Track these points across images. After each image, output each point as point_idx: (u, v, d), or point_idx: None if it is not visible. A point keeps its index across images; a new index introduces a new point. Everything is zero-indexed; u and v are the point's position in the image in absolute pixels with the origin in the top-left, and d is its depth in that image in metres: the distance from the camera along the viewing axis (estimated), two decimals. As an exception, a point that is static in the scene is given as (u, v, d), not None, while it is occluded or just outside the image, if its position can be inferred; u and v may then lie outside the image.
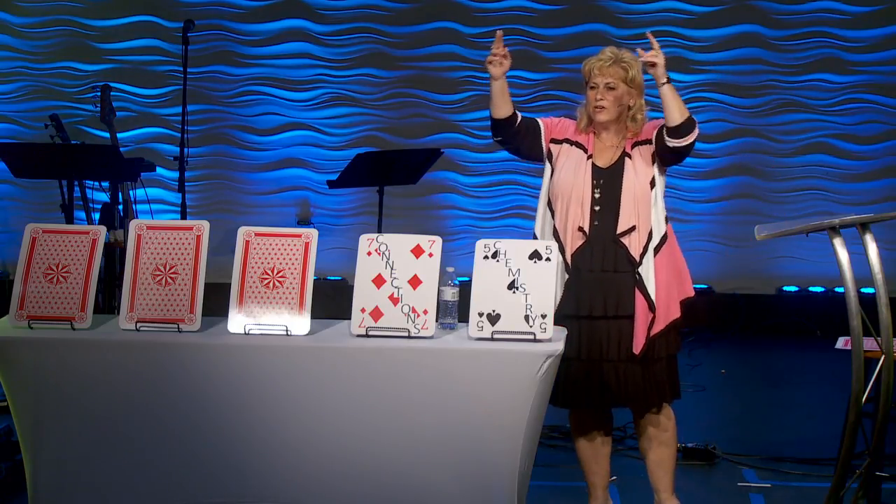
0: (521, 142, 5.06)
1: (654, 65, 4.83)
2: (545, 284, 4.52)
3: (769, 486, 5.81)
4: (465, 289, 4.58)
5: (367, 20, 9.39)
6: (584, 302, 4.90)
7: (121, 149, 7.58)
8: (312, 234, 4.62)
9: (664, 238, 4.92)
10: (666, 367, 4.97)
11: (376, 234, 4.63)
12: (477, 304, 4.52)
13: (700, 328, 8.99)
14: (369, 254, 4.58)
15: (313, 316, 4.56)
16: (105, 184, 7.55)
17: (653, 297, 4.87)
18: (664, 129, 4.87)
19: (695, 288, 5.05)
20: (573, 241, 4.92)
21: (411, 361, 4.43)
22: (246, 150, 9.49)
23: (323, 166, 9.42)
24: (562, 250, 4.87)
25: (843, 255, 4.62)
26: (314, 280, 4.57)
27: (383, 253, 4.57)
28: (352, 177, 7.56)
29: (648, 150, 4.95)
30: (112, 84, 8.07)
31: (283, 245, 4.60)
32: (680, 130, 4.84)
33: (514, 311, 4.50)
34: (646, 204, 4.90)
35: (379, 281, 4.55)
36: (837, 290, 8.96)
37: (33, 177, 8.14)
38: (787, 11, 9.33)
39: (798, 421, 7.02)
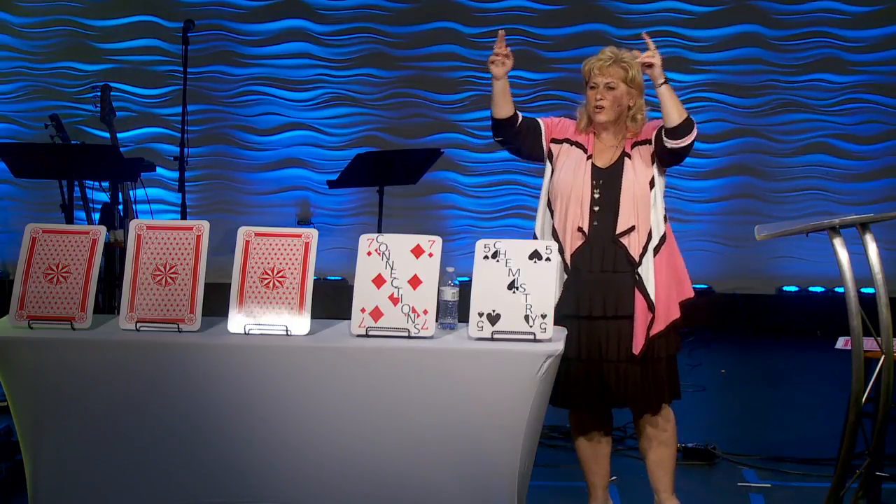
0: (521, 142, 5.06)
1: (650, 66, 4.83)
2: (545, 284, 4.52)
3: (769, 486, 5.82)
4: (465, 289, 4.58)
5: (367, 20, 9.39)
6: (583, 302, 4.90)
7: (121, 149, 7.58)
8: (312, 234, 4.62)
9: (663, 238, 4.92)
10: (666, 367, 4.97)
11: (376, 234, 4.63)
12: (477, 304, 4.52)
13: (700, 328, 8.99)
14: (369, 254, 4.58)
15: (313, 316, 4.56)
16: (105, 184, 7.54)
17: (652, 297, 4.87)
18: (662, 130, 4.87)
19: (695, 288, 5.06)
20: (572, 242, 4.92)
21: (411, 361, 4.43)
22: (246, 150, 9.49)
23: (323, 166, 9.42)
24: (561, 251, 4.86)
25: (843, 255, 4.62)
26: (314, 280, 4.57)
27: (383, 253, 4.57)
28: (352, 177, 7.56)
29: (648, 150, 4.95)
30: (112, 84, 8.07)
31: (283, 245, 4.60)
32: (678, 131, 4.84)
33: (514, 311, 4.50)
34: (645, 204, 4.90)
35: (379, 281, 4.55)
36: (837, 290, 8.96)
37: (33, 177, 8.14)
38: (787, 11, 9.33)
39: (798, 421, 7.02)
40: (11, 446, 5.64)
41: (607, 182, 4.93)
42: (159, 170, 8.62)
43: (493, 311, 4.51)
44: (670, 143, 4.85)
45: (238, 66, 9.41)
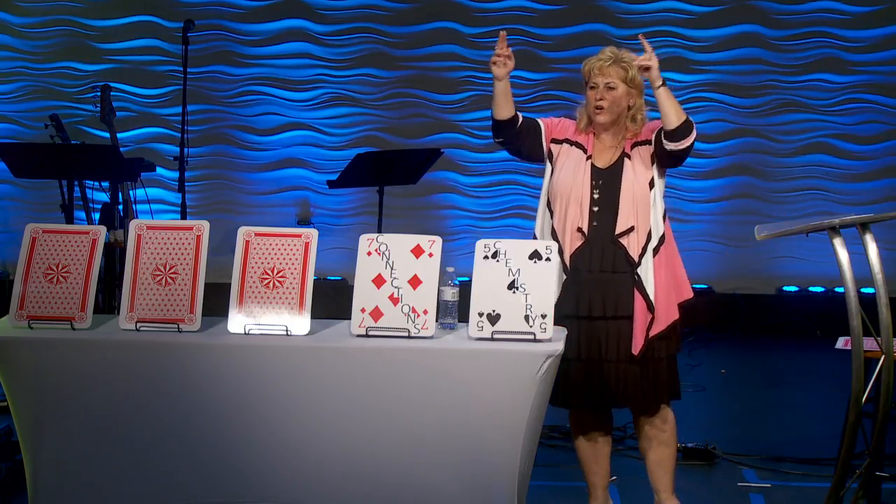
0: (522, 143, 5.06)
1: (648, 69, 4.83)
2: (545, 284, 4.52)
3: (769, 486, 5.82)
4: (465, 289, 4.58)
5: (367, 20, 9.39)
6: (583, 302, 4.90)
7: (121, 149, 7.58)
8: (312, 234, 4.62)
9: (662, 239, 4.92)
10: (666, 367, 4.97)
11: (376, 234, 4.63)
12: (477, 304, 4.52)
13: (700, 328, 8.99)
14: (369, 254, 4.58)
15: (313, 316, 4.56)
16: (105, 184, 7.54)
17: (652, 297, 4.87)
18: (662, 132, 4.87)
19: (695, 288, 5.05)
20: (572, 242, 4.91)
21: (411, 361, 4.43)
22: (246, 150, 9.49)
23: (323, 166, 9.42)
24: (560, 251, 4.86)
25: (843, 255, 4.62)
26: (314, 280, 4.57)
27: (383, 253, 4.57)
28: (352, 177, 7.56)
29: (648, 150, 4.95)
30: (112, 84, 8.07)
31: (283, 245, 4.60)
32: (677, 134, 4.83)
33: (514, 311, 4.50)
34: (645, 205, 4.90)
35: (379, 281, 4.55)
36: (837, 290, 8.96)
37: (33, 177, 8.14)
38: (787, 11, 9.33)
39: (798, 421, 7.02)
40: (11, 446, 5.64)
41: (607, 182, 4.93)
42: (159, 170, 8.62)
43: (493, 311, 4.51)
44: (669, 146, 4.85)
45: (238, 66, 9.41)
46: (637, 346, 4.88)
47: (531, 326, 4.47)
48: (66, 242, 4.63)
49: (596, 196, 4.92)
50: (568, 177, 4.95)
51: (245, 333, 4.52)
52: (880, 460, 5.12)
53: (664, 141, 4.86)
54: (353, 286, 4.56)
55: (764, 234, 4.73)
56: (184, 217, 7.84)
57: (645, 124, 4.99)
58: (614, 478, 5.42)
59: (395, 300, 4.52)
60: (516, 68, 4.97)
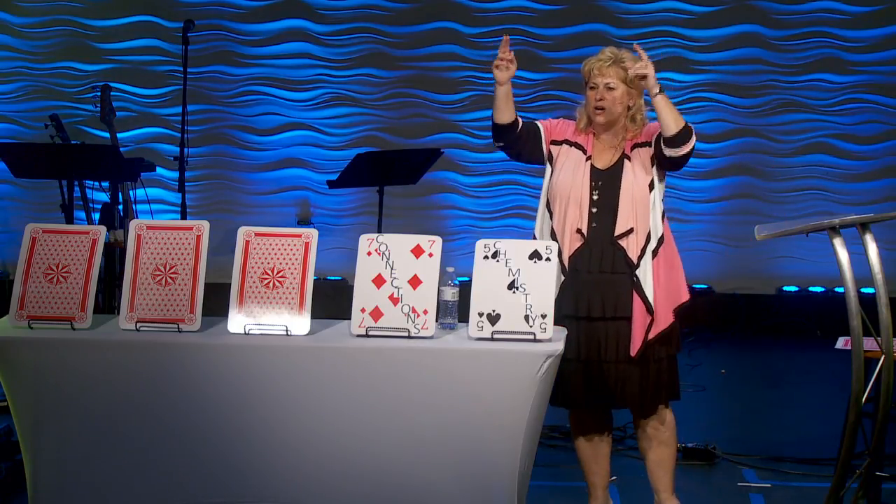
0: (522, 146, 5.06)
1: (644, 77, 4.82)
2: (545, 284, 4.52)
3: (769, 486, 5.82)
4: (465, 289, 4.58)
5: (367, 20, 9.39)
6: (582, 303, 4.90)
7: (121, 149, 7.58)
8: (312, 234, 4.62)
9: (661, 240, 4.92)
10: (666, 367, 4.97)
11: (376, 234, 4.63)
12: (477, 304, 4.52)
13: (700, 328, 8.98)
14: (369, 254, 4.58)
15: (313, 316, 4.56)
16: (105, 184, 7.54)
17: (650, 299, 4.87)
18: (661, 138, 4.87)
19: (695, 288, 5.05)
20: (571, 243, 4.91)
21: (411, 361, 4.43)
22: (246, 150, 9.49)
23: (323, 166, 9.42)
24: (559, 252, 4.86)
25: (843, 255, 4.62)
26: (314, 280, 4.57)
27: (383, 253, 4.57)
28: (352, 177, 7.56)
29: (648, 152, 4.95)
30: (112, 84, 8.07)
31: (283, 245, 4.60)
32: (676, 140, 4.83)
33: (514, 311, 4.50)
34: (644, 206, 4.90)
35: (379, 281, 4.55)
36: (837, 290, 8.96)
37: (33, 177, 8.14)
38: (787, 11, 9.33)
39: (798, 421, 7.02)
40: (11, 446, 5.64)
41: (606, 183, 4.92)
42: (159, 170, 8.62)
43: (493, 311, 4.51)
44: (668, 152, 4.85)
45: (238, 66, 9.41)
46: (635, 347, 4.88)
47: (531, 326, 4.47)
48: (66, 242, 4.63)
49: (595, 197, 4.92)
50: (567, 178, 4.94)
51: (245, 333, 4.52)
52: (880, 460, 5.12)
53: (663, 147, 4.85)
54: (353, 286, 4.56)
55: (764, 234, 4.73)
56: (184, 217, 7.84)
57: (645, 125, 4.99)
58: (614, 478, 5.42)
59: (395, 300, 4.52)
60: (516, 68, 4.96)
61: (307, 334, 4.52)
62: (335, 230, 9.39)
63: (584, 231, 4.89)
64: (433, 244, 4.57)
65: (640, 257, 4.88)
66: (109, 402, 4.46)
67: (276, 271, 4.57)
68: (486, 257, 4.57)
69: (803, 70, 9.35)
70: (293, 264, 4.57)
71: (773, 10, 9.33)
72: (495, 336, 4.48)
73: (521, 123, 5.02)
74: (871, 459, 4.81)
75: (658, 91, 4.81)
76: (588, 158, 4.96)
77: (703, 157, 9.29)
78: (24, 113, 9.35)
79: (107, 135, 7.79)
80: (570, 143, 5.01)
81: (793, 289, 9.44)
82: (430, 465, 4.45)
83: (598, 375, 4.91)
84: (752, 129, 9.41)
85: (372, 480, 4.47)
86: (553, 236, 4.93)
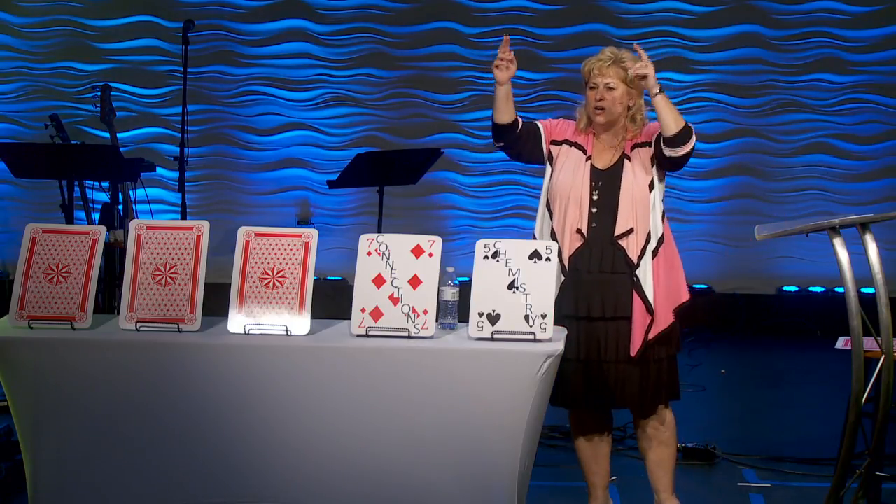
0: (522, 146, 5.06)
1: (644, 77, 4.82)
2: (545, 284, 4.52)
3: (769, 486, 5.82)
4: (465, 289, 4.57)
5: (367, 20, 9.39)
6: (582, 303, 4.90)
7: (121, 149, 7.58)
8: (312, 234, 4.62)
9: (661, 240, 4.92)
10: (666, 368, 4.97)
11: (376, 234, 4.63)
12: (477, 304, 4.52)
13: (700, 328, 8.98)
14: (369, 254, 4.58)
15: (313, 316, 4.56)
16: (105, 184, 7.54)
17: (650, 300, 4.87)
18: (661, 138, 4.87)
19: (695, 288, 5.05)
20: (571, 243, 4.91)
21: (411, 361, 4.43)
22: (246, 150, 9.49)
23: (323, 166, 9.42)
24: (559, 252, 4.86)
25: (843, 255, 4.62)
26: (314, 280, 4.57)
27: (383, 253, 4.57)
28: (352, 177, 7.56)
29: (648, 152, 4.94)
30: (112, 84, 8.07)
31: (283, 245, 4.60)
32: (676, 140, 4.83)
33: (514, 311, 4.50)
34: (644, 207, 4.90)
35: (379, 281, 4.55)
36: (837, 290, 8.96)
37: (33, 177, 8.14)
38: (787, 11, 9.33)
39: (798, 421, 7.02)
40: (11, 446, 5.64)
41: (606, 184, 4.92)
42: (159, 170, 8.62)
43: (493, 311, 4.51)
44: (669, 152, 4.85)
45: (238, 66, 9.41)
46: (634, 347, 4.88)
47: (531, 326, 4.47)
48: (66, 242, 4.63)
49: (595, 197, 4.92)
50: (567, 178, 4.94)
51: (245, 333, 4.52)
52: (880, 460, 5.12)
53: (663, 147, 4.85)
54: (353, 286, 4.56)
55: (764, 234, 4.73)
56: (184, 217, 7.84)
57: (645, 125, 4.99)
58: (614, 478, 5.42)
59: (395, 300, 4.52)
60: (517, 69, 4.96)
61: (307, 334, 4.51)
62: (335, 230, 9.39)
63: (584, 231, 4.90)
64: (433, 244, 4.57)
65: (640, 257, 4.88)
66: (109, 402, 4.46)
67: (276, 271, 4.57)
68: (486, 257, 4.57)
69: (803, 70, 9.35)
70: (293, 264, 4.57)
71: (773, 10, 9.33)
72: (495, 336, 4.48)
73: (521, 124, 5.02)
74: (871, 459, 4.81)
75: (658, 91, 4.81)
76: (588, 158, 4.96)
77: (703, 157, 9.29)
78: (24, 113, 9.36)
79: (107, 135, 7.79)
80: (570, 143, 5.01)
81: (793, 289, 9.44)
82: (430, 465, 4.45)
83: (598, 375, 4.91)
84: (752, 129, 9.41)
85: (372, 480, 4.47)
86: (553, 236, 4.93)
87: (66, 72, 9.36)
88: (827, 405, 7.07)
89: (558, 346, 4.45)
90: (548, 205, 5.00)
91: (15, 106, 9.38)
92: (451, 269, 4.69)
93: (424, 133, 9.42)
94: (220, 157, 9.48)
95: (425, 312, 4.50)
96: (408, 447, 4.44)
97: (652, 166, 4.93)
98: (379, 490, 4.47)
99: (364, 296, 4.53)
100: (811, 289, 9.40)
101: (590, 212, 4.91)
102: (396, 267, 4.55)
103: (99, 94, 7.72)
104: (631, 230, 4.88)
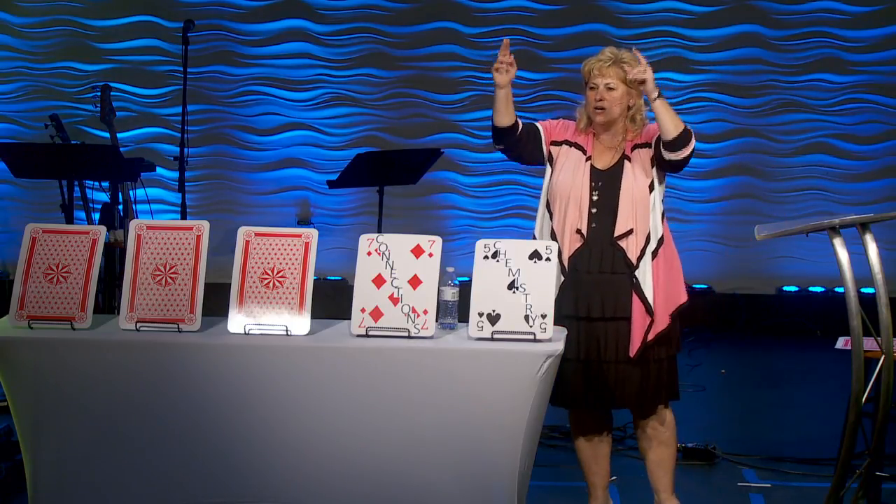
0: (522, 148, 5.05)
1: (643, 81, 4.82)
2: (545, 284, 4.52)
3: (769, 486, 5.82)
4: (465, 289, 4.58)
5: (367, 20, 9.39)
6: (582, 303, 4.90)
7: (121, 149, 7.58)
8: (312, 234, 4.62)
9: (661, 241, 4.92)
10: (665, 368, 4.97)
11: (376, 234, 4.63)
12: (477, 304, 4.52)
13: (700, 328, 8.98)
14: (369, 254, 4.58)
15: (313, 316, 4.56)
16: (105, 184, 7.54)
17: (650, 300, 4.87)
18: (661, 141, 4.86)
19: (695, 288, 5.05)
20: (571, 244, 4.91)
21: (411, 361, 4.43)
22: (246, 150, 9.49)
23: (323, 166, 9.42)
24: (559, 252, 4.85)
25: (843, 255, 4.62)
26: (314, 280, 4.57)
27: (383, 253, 4.57)
28: (352, 177, 7.56)
29: (648, 153, 4.94)
30: (112, 84, 8.07)
31: (283, 245, 4.60)
32: (676, 144, 4.83)
33: (514, 311, 4.50)
34: (644, 207, 4.89)
35: (379, 281, 4.55)
36: (837, 290, 8.96)
37: (33, 177, 8.14)
38: (787, 11, 9.33)
39: (798, 421, 7.02)
40: (11, 446, 5.64)
41: (606, 184, 4.92)
42: (159, 170, 8.62)
43: (493, 311, 4.51)
44: (668, 155, 4.85)
45: (238, 66, 9.41)
46: (634, 348, 4.88)
47: (531, 326, 4.47)
48: (66, 242, 4.63)
49: (595, 198, 4.92)
50: (567, 178, 4.94)
51: (245, 333, 4.52)
52: (880, 460, 5.12)
53: (663, 151, 4.85)
54: (353, 286, 4.56)
55: (764, 234, 4.73)
56: (184, 217, 7.84)
57: (645, 125, 4.99)
58: (614, 478, 5.42)
59: (395, 300, 4.52)
60: (516, 71, 4.96)
61: (307, 334, 4.52)
62: (335, 230, 9.39)
63: (584, 231, 4.90)
64: (433, 244, 4.57)
65: (640, 258, 4.88)
66: (109, 402, 4.46)
67: (276, 271, 4.57)
68: (486, 257, 4.57)
69: (803, 70, 9.35)
70: (293, 264, 4.57)
71: (773, 10, 9.33)
72: (495, 336, 4.48)
73: (521, 126, 5.02)
74: (871, 459, 4.81)
75: (657, 95, 4.81)
76: (588, 159, 4.96)
77: (703, 157, 9.29)
78: (24, 113, 9.36)
79: (107, 135, 7.79)
80: (570, 144, 5.01)
81: (793, 289, 9.44)
82: (430, 465, 4.45)
83: (598, 375, 4.91)
84: (752, 129, 9.40)
85: (372, 480, 4.47)
86: (553, 236, 4.93)
87: (66, 72, 9.36)
88: (827, 405, 7.07)
89: (558, 346, 4.45)
90: (548, 205, 5.00)
91: (15, 106, 9.38)
92: (451, 269, 4.69)
93: (424, 133, 9.42)
94: (220, 157, 9.48)
95: (425, 312, 4.50)
96: (408, 447, 4.44)
97: (652, 167, 4.93)
98: (379, 490, 4.47)
99: (364, 296, 4.53)
100: (811, 289, 9.40)
101: (590, 212, 4.91)
102: (396, 267, 4.55)
103: (99, 94, 7.72)
104: (631, 231, 4.88)
